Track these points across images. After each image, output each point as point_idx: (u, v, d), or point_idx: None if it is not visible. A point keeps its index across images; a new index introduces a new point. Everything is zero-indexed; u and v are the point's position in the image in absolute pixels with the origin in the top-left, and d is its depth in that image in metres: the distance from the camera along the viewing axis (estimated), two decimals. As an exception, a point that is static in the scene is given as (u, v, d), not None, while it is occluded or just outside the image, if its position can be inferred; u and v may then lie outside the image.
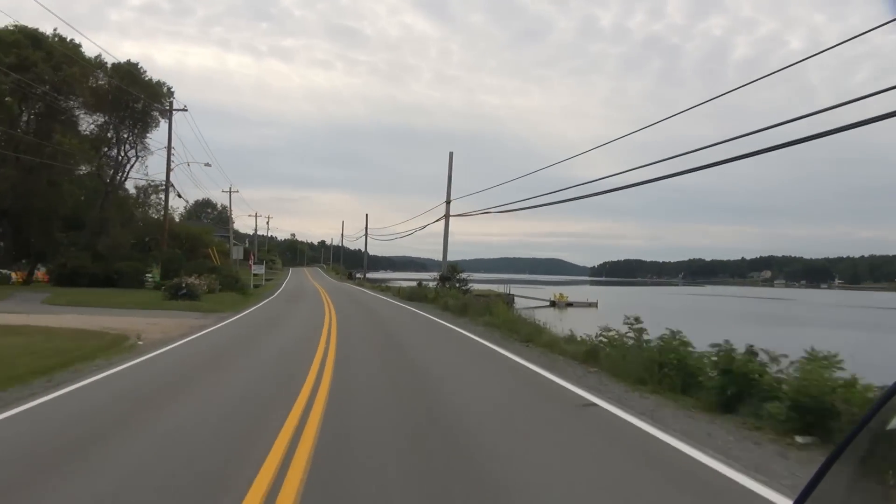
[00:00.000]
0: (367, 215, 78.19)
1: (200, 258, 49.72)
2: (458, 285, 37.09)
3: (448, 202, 37.07)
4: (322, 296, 46.01)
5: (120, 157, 50.38)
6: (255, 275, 71.83)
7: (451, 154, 38.08)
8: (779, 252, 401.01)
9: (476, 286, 52.80)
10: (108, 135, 49.28)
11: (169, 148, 44.26)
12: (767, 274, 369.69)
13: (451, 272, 37.94)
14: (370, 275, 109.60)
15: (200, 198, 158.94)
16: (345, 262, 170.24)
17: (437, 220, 37.17)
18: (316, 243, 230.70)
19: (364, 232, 79.63)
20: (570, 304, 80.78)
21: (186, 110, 46.25)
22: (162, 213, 53.46)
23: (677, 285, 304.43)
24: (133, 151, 50.46)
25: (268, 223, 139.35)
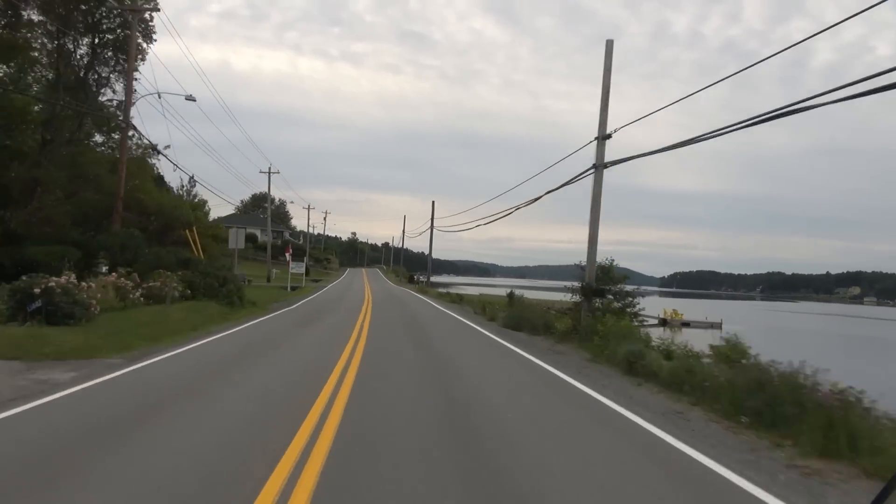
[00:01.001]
0: (433, 203, 59.90)
1: (178, 244, 32.13)
2: (614, 303, 18.40)
3: (602, 137, 18.28)
4: (364, 311, 27.96)
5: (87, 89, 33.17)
6: (293, 274, 54.77)
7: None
8: (867, 267, 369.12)
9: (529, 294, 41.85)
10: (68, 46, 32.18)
11: (132, 47, 26.76)
12: (856, 290, 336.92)
13: (605, 278, 19.22)
14: (433, 278, 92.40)
15: (257, 191, 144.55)
16: (406, 263, 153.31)
17: (585, 173, 18.44)
18: (379, 244, 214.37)
19: (430, 222, 61.18)
20: (686, 324, 60.87)
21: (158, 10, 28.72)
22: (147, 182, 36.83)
23: (755, 299, 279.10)
24: (100, 79, 33.28)
25: (325, 219, 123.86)
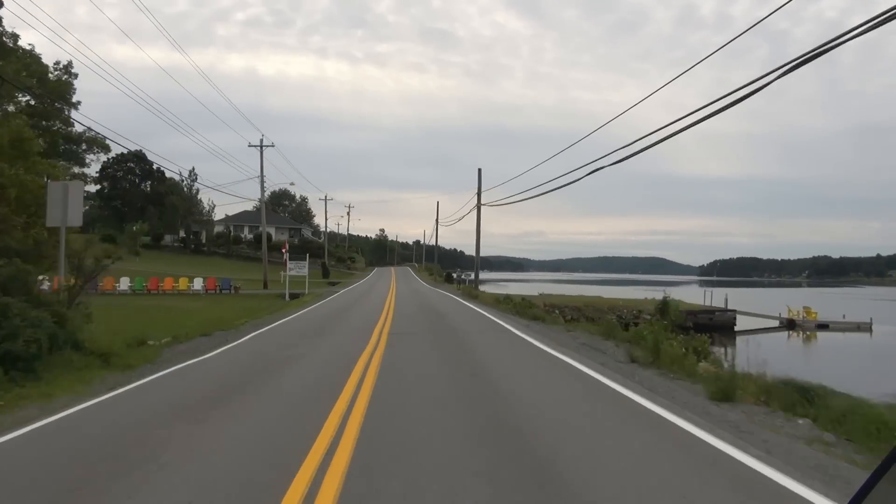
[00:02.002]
0: (479, 171, 43.84)
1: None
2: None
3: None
4: (369, 354, 12.24)
5: None
6: (292, 277, 40.03)
7: None
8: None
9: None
10: None
11: None
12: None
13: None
14: (466, 275, 76.73)
15: (277, 188, 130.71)
16: (439, 261, 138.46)
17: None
18: (410, 243, 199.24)
19: (476, 197, 45.36)
20: (823, 326, 44.52)
21: None
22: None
23: (801, 286, 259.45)
24: None
25: (348, 214, 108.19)
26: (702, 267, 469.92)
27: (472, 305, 29.30)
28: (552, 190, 27.97)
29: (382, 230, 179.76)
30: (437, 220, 69.78)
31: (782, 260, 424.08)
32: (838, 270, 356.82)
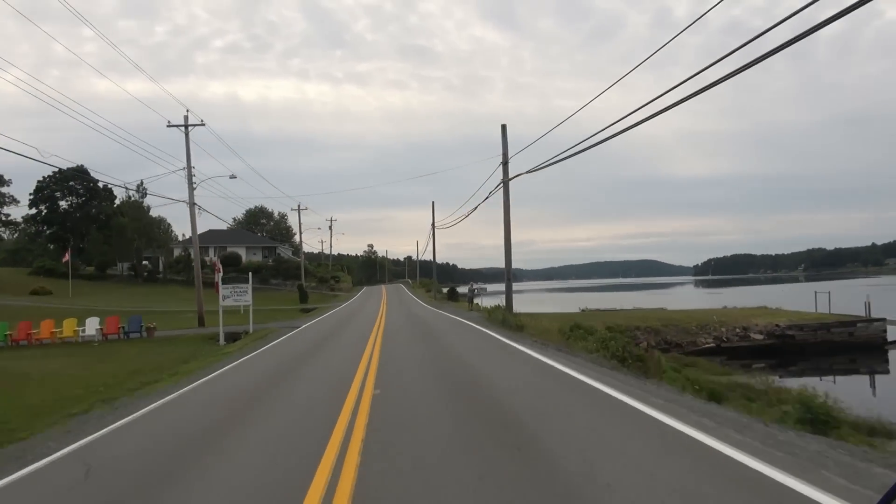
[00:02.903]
0: (504, 127, 29.77)
1: None
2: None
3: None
4: None
5: None
6: (226, 308, 26.14)
7: None
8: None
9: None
10: None
11: None
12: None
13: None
14: (461, 288, 60.15)
15: (252, 206, 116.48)
16: (427, 275, 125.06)
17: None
18: (401, 259, 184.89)
19: (502, 163, 31.07)
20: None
21: None
22: None
23: (799, 279, 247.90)
24: None
25: (330, 227, 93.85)
26: (696, 266, 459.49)
27: (539, 356, 14.59)
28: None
29: (371, 245, 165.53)
30: (433, 225, 56.03)
31: (776, 255, 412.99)
32: (834, 261, 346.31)
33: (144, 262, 73.99)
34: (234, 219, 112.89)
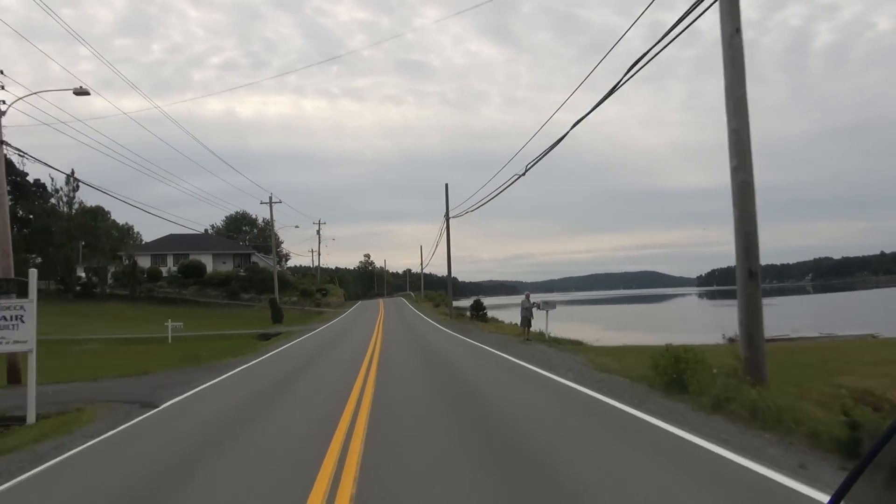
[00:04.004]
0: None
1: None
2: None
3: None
4: None
5: None
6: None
7: None
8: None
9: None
10: None
11: None
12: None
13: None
14: (461, 302, 45.04)
15: (233, 211, 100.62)
16: (429, 287, 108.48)
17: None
18: (400, 272, 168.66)
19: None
20: None
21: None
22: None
23: (807, 290, 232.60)
24: None
25: (318, 231, 77.66)
26: (700, 277, 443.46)
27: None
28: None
29: (367, 255, 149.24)
30: (446, 215, 39.85)
31: (782, 264, 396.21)
32: (843, 271, 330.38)
33: (81, 275, 57.96)
34: (212, 226, 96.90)
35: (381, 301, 79.35)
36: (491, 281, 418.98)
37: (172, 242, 68.10)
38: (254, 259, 70.92)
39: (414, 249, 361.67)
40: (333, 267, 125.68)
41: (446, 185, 40.71)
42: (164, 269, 64.45)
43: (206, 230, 70.70)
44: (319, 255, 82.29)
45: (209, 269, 64.96)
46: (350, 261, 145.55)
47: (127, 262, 57.66)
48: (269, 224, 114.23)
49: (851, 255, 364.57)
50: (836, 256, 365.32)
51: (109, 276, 60.84)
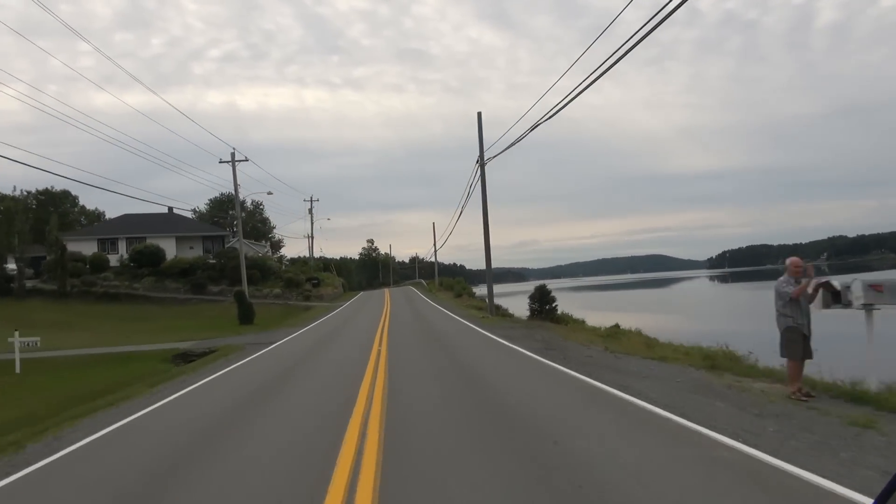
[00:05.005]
0: None
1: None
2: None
3: None
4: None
5: None
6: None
7: None
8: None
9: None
10: None
11: None
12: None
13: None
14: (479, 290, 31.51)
15: (218, 193, 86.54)
16: (428, 276, 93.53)
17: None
18: (406, 261, 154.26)
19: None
20: None
21: None
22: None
23: (823, 269, 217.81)
24: None
25: (311, 210, 63.21)
26: (710, 259, 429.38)
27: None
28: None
29: (371, 241, 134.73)
30: (480, 158, 25.51)
31: (794, 244, 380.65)
32: (860, 249, 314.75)
33: (11, 267, 43.94)
34: (194, 210, 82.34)
35: (386, 291, 64.99)
36: (499, 268, 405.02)
37: (126, 224, 53.93)
38: (229, 243, 56.66)
39: (418, 239, 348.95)
40: (338, 257, 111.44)
41: (479, 113, 26.30)
42: (114, 257, 50.33)
43: (169, 208, 56.24)
44: (312, 237, 68.00)
45: (172, 255, 50.83)
46: (353, 251, 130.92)
47: (58, 252, 43.26)
48: (259, 207, 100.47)
49: (866, 232, 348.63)
50: (851, 235, 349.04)
51: (43, 267, 46.78)
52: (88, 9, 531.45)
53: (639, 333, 18.59)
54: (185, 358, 18.34)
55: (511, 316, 26.72)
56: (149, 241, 50.65)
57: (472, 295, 49.03)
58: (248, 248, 65.59)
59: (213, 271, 48.95)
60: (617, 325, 20.04)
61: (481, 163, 25.74)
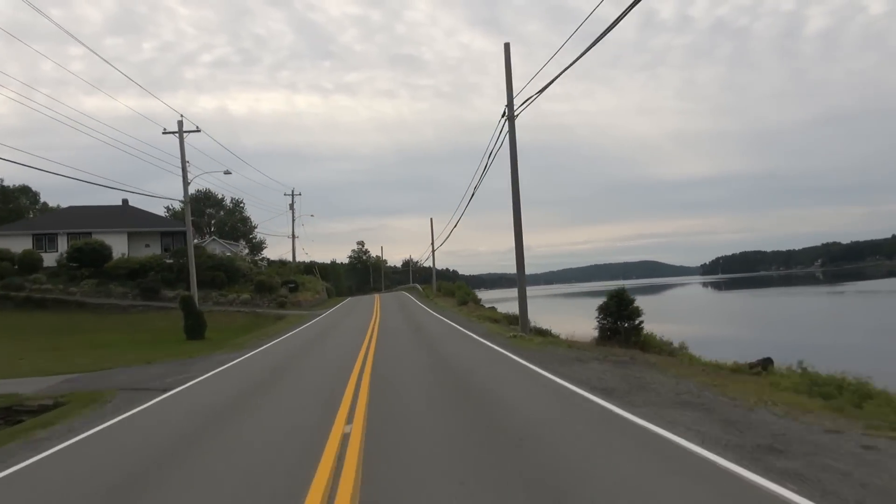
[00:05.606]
0: None
1: None
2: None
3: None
4: None
5: None
6: None
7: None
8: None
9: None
10: None
11: None
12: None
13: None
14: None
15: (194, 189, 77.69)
16: (422, 281, 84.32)
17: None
18: (399, 266, 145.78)
19: None
20: None
21: None
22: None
23: (817, 277, 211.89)
24: None
25: (292, 206, 54.68)
26: (703, 265, 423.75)
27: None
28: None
29: (361, 243, 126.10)
30: (508, 108, 17.69)
31: (788, 251, 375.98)
32: (854, 256, 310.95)
33: None
34: (168, 208, 73.76)
35: (377, 298, 56.47)
36: (491, 273, 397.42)
37: (69, 217, 45.41)
38: (207, 243, 48.28)
39: (411, 245, 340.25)
40: (328, 261, 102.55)
41: (506, 45, 18.30)
42: (52, 256, 41.80)
43: (124, 200, 47.70)
44: (294, 236, 59.62)
45: (123, 253, 42.39)
46: (345, 256, 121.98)
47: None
48: (238, 205, 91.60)
49: (859, 239, 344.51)
50: (845, 241, 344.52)
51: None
52: (80, 13, 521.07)
53: (797, 374, 10.53)
54: (5, 416, 10.14)
55: (550, 334, 18.60)
56: (95, 237, 42.20)
57: (478, 302, 40.88)
58: (220, 248, 57.12)
59: (170, 273, 40.49)
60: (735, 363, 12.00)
61: (509, 114, 17.65)
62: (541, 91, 16.08)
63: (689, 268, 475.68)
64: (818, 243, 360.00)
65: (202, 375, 12.93)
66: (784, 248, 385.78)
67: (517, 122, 18.78)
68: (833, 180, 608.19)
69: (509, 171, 18.62)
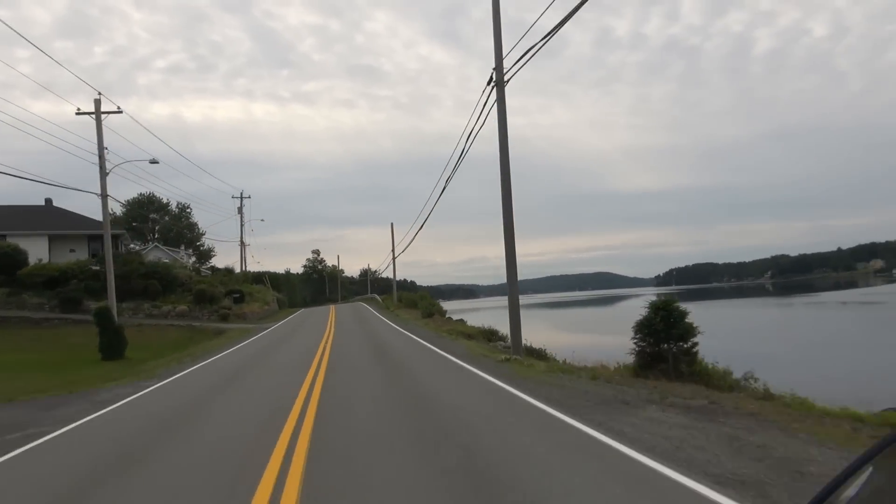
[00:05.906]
0: None
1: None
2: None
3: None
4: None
5: None
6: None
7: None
8: (880, 237, 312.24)
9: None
10: None
11: None
12: (878, 264, 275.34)
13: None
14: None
15: (137, 193, 72.82)
16: (385, 292, 79.79)
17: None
18: (356, 276, 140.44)
19: None
20: None
21: None
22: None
23: (766, 287, 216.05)
24: None
25: (240, 209, 49.82)
26: (658, 277, 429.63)
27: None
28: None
29: (317, 252, 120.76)
30: (497, 73, 14.21)
31: (739, 262, 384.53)
32: (803, 267, 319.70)
33: None
34: (111, 212, 67.45)
35: (332, 309, 51.84)
36: (448, 284, 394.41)
37: (8, 218, 39.80)
38: (126, 244, 43.11)
39: (368, 256, 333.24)
40: (283, 271, 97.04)
41: (496, -2, 14.61)
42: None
43: (47, 200, 42.31)
44: (242, 243, 54.75)
45: (41, 259, 37.08)
46: (299, 267, 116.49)
47: None
48: (185, 210, 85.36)
49: (807, 252, 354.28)
50: (793, 254, 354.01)
51: None
52: (27, 14, 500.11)
53: None
54: None
55: (547, 355, 14.86)
56: (10, 241, 36.82)
57: (444, 314, 36.96)
58: (161, 255, 51.87)
59: (95, 281, 35.38)
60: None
61: (497, 79, 13.93)
62: (540, 44, 12.42)
63: (643, 279, 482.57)
64: (767, 255, 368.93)
65: (36, 440, 8.21)
66: (735, 261, 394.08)
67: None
68: (777, 195, 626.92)
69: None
